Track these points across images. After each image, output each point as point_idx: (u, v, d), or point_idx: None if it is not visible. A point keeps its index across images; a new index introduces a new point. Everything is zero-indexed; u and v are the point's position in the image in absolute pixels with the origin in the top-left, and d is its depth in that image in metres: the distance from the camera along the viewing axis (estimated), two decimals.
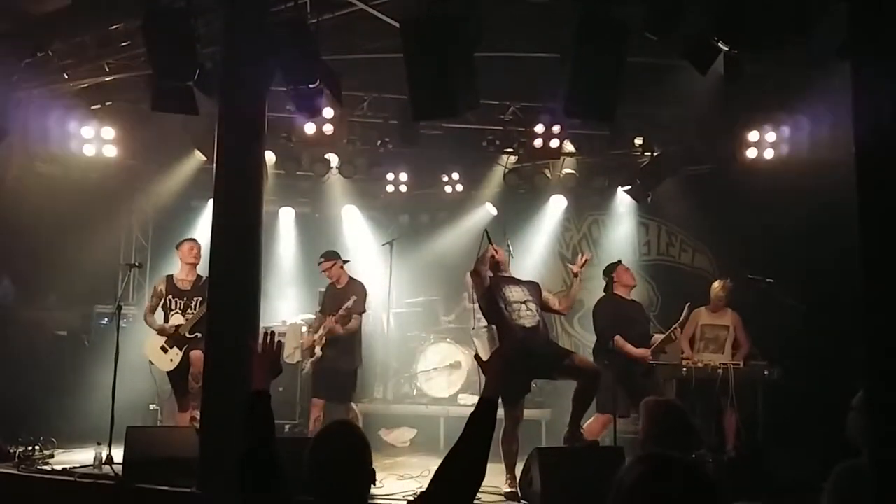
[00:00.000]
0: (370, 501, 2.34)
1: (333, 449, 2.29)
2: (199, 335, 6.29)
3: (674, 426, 2.97)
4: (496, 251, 5.81)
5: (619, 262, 6.86)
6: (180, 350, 6.46)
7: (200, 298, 6.43)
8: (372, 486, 2.29)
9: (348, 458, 2.27)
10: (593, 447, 5.65)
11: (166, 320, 6.56)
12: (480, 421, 2.25)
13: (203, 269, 6.43)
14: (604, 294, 6.69)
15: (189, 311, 6.53)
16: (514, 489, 5.36)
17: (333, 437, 2.35)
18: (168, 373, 6.52)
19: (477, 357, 2.50)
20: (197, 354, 6.23)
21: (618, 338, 6.24)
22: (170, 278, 6.73)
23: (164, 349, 6.50)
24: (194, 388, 6.19)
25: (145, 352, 6.59)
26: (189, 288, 6.61)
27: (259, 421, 2.47)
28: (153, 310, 6.68)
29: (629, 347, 6.25)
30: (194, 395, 6.16)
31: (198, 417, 5.80)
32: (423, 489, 2.26)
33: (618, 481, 1.51)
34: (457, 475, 2.19)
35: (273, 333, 2.71)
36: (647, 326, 6.81)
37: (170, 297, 6.62)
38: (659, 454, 1.58)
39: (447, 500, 2.18)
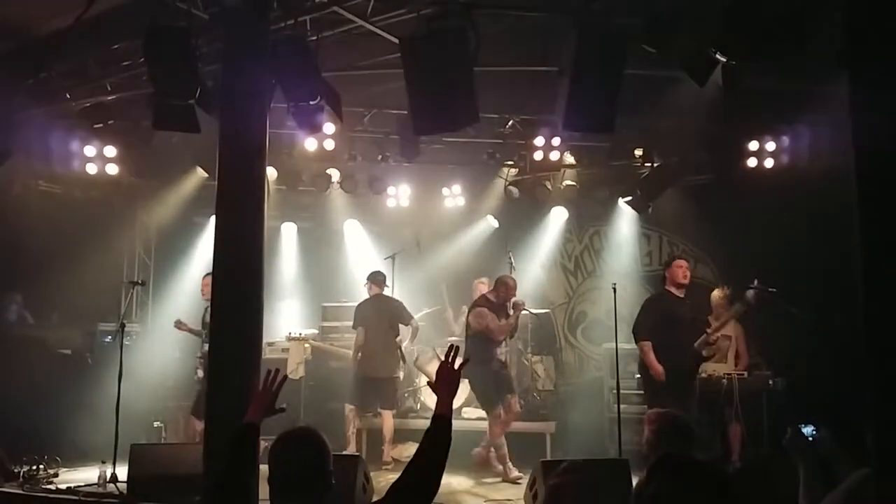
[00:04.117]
0: None
1: (292, 450, 2.32)
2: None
3: (677, 437, 2.97)
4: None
5: (678, 257, 6.70)
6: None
7: None
8: (328, 488, 2.31)
9: (305, 460, 2.29)
10: (598, 460, 5.64)
11: None
12: (437, 436, 2.32)
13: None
14: (656, 291, 6.58)
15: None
16: (509, 475, 6.49)
17: (292, 440, 2.37)
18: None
19: (429, 383, 2.54)
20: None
21: (646, 343, 6.10)
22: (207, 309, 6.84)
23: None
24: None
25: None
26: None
27: (243, 451, 2.52)
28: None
29: (651, 358, 6.04)
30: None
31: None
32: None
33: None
34: (412, 488, 2.25)
35: (277, 372, 2.73)
36: (694, 327, 6.43)
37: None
38: (676, 456, 1.59)
39: None
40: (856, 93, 3.39)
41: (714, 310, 6.89)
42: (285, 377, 2.77)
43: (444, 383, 2.45)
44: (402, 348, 7.51)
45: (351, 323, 7.70)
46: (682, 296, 6.31)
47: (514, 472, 6.52)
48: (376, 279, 7.59)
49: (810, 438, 2.87)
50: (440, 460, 2.30)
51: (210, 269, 6.97)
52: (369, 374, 7.27)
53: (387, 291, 7.92)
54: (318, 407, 7.77)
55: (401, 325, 7.49)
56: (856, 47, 3.43)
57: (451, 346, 2.57)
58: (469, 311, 6.96)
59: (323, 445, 2.36)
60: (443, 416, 2.36)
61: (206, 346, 6.51)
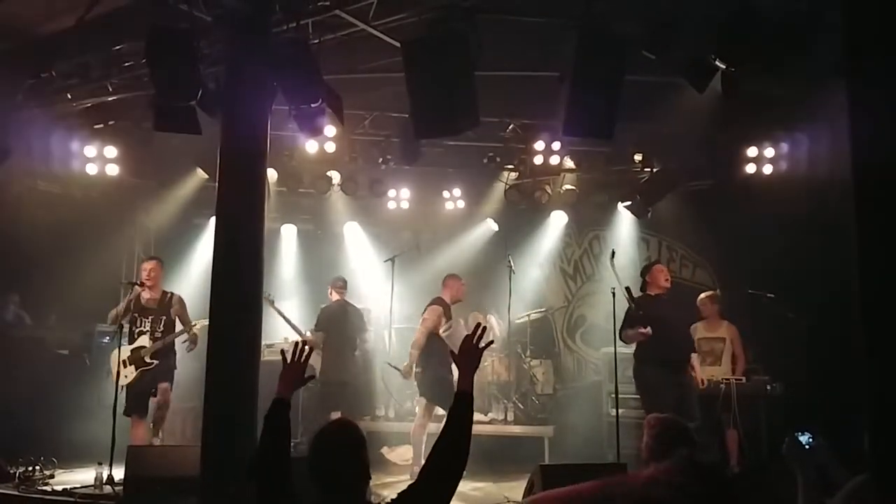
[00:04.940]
0: None
1: (332, 443, 2.48)
2: (157, 362, 6.35)
3: (676, 442, 2.97)
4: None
5: (657, 261, 6.77)
6: (136, 370, 6.36)
7: (165, 317, 6.49)
8: (368, 478, 2.46)
9: (344, 452, 2.44)
10: (596, 464, 5.64)
11: (133, 339, 6.45)
12: (459, 415, 2.45)
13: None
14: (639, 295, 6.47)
15: (157, 331, 6.45)
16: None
17: (332, 433, 2.54)
18: (126, 388, 6.32)
19: (452, 353, 2.65)
20: (163, 387, 6.35)
21: (626, 331, 6.11)
22: (138, 295, 6.56)
23: (124, 363, 6.35)
24: (159, 416, 6.33)
25: (112, 358, 6.49)
26: (155, 307, 6.54)
27: (277, 426, 2.66)
28: (119, 313, 6.55)
29: (637, 334, 6.00)
30: (157, 422, 6.34)
31: (157, 442, 6.13)
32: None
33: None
34: (442, 465, 2.40)
35: (304, 344, 2.85)
36: (677, 320, 6.34)
37: (135, 314, 6.51)
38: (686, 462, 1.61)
39: (434, 487, 2.37)
40: (855, 100, 3.40)
41: (702, 314, 6.91)
42: (311, 349, 2.88)
43: (466, 358, 2.55)
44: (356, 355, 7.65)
45: None
46: (660, 293, 6.29)
47: None
48: (337, 284, 7.69)
49: (807, 446, 2.88)
50: (465, 436, 2.42)
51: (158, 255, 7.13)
52: (331, 378, 7.29)
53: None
54: (316, 412, 7.75)
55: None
56: (855, 55, 3.44)
57: (479, 323, 2.64)
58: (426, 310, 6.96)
59: (362, 437, 2.51)
60: (464, 392, 2.48)
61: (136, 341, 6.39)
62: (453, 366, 2.61)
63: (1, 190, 7.52)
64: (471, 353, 2.57)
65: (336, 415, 7.22)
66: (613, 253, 6.53)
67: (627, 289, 6.19)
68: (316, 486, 2.40)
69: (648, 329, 5.93)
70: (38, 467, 6.13)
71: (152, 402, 6.46)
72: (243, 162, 5.01)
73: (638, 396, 6.54)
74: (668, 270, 6.46)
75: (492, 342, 2.72)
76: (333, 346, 7.35)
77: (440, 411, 6.69)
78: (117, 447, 5.77)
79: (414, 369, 6.90)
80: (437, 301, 6.92)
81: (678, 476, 1.50)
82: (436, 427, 6.77)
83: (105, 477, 5.68)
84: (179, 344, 6.59)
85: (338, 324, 7.43)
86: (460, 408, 2.45)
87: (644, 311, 6.09)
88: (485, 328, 2.66)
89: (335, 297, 7.64)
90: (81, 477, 6.04)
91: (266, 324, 5.39)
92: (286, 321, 7.39)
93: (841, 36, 3.49)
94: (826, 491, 2.79)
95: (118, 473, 5.59)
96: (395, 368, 7.22)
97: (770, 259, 7.46)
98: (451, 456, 2.40)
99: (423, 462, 2.46)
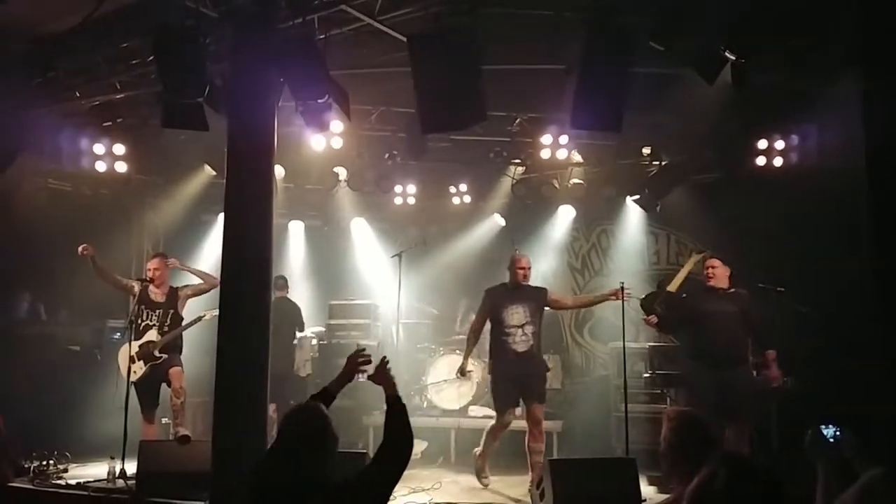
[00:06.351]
0: None
1: (296, 424, 2.67)
2: (167, 356, 6.38)
3: (693, 437, 2.94)
4: (520, 262, 6.37)
5: (710, 255, 6.50)
6: (145, 365, 6.37)
7: (173, 311, 6.54)
8: (328, 455, 2.63)
9: (308, 433, 2.62)
10: (605, 459, 5.64)
11: (140, 334, 6.43)
12: (393, 412, 2.81)
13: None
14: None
15: (165, 325, 6.48)
16: (484, 477, 6.36)
17: (297, 415, 2.75)
18: (135, 385, 6.34)
19: (370, 377, 3.04)
20: (176, 371, 6.34)
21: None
22: (145, 287, 6.60)
23: (132, 359, 6.34)
24: (177, 404, 6.25)
25: (118, 356, 6.54)
26: (163, 300, 6.58)
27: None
28: (117, 278, 6.77)
29: (653, 322, 6.19)
30: (177, 412, 6.24)
31: (181, 432, 5.95)
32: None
33: (704, 485, 1.54)
34: (388, 454, 2.71)
35: (363, 349, 3.25)
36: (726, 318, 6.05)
37: (142, 306, 6.55)
38: (741, 460, 1.62)
39: (378, 476, 2.67)
40: (867, 91, 3.37)
41: None
42: (367, 359, 3.21)
43: (378, 379, 2.98)
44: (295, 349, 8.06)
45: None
46: (717, 287, 6.10)
47: (486, 479, 6.38)
48: (277, 283, 7.77)
49: (832, 439, 2.84)
50: (404, 430, 2.74)
51: (167, 252, 7.21)
52: (275, 373, 7.24)
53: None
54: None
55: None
56: (868, 45, 3.41)
57: (362, 348, 3.24)
58: None
59: (323, 416, 2.69)
60: (389, 395, 2.88)
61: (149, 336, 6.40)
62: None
63: (12, 188, 7.57)
64: (380, 377, 2.99)
65: (272, 407, 6.88)
66: (697, 252, 6.49)
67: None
68: (281, 467, 2.56)
69: (653, 318, 6.11)
70: (51, 461, 6.19)
71: (164, 394, 6.47)
72: (251, 158, 5.02)
73: (647, 391, 6.52)
74: (715, 262, 6.19)
75: (368, 362, 3.16)
76: (275, 342, 7.35)
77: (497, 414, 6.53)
78: (129, 442, 5.82)
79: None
80: (491, 288, 6.48)
81: (719, 483, 1.49)
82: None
83: (118, 471, 5.74)
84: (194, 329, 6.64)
85: (279, 320, 7.31)
86: (392, 408, 2.81)
87: (693, 301, 6.05)
88: (367, 357, 3.13)
89: (276, 295, 7.61)
90: (94, 471, 6.10)
91: None
92: None
93: (854, 26, 3.46)
94: (847, 485, 2.76)
95: (130, 468, 5.64)
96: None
97: (780, 252, 7.40)
98: (394, 446, 2.72)
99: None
